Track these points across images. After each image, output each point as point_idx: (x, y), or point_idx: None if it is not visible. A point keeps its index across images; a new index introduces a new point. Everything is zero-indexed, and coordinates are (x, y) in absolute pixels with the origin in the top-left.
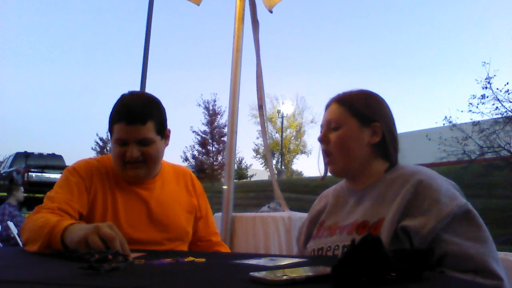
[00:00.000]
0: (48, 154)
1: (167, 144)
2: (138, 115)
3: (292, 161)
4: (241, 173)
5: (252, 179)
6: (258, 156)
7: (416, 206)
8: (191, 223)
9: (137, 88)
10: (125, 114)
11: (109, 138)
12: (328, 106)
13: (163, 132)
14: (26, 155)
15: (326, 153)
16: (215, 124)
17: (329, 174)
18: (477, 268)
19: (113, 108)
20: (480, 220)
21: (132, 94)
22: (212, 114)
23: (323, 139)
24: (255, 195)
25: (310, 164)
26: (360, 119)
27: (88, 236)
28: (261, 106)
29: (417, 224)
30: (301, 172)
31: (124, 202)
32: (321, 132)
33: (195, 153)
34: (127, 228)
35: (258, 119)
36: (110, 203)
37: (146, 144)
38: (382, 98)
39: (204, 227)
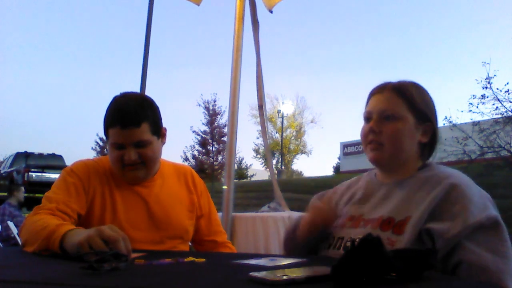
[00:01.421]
0: (48, 154)
1: (164, 143)
2: (132, 118)
3: (292, 161)
4: (241, 173)
5: (252, 179)
6: (258, 156)
7: (445, 210)
8: (192, 222)
9: (137, 88)
10: (119, 118)
11: (106, 140)
12: (378, 93)
13: (159, 132)
14: (26, 155)
15: (373, 142)
16: (215, 124)
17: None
18: (491, 282)
19: (106, 112)
20: (507, 235)
21: (124, 96)
22: (212, 114)
23: (375, 130)
24: (255, 195)
25: (310, 164)
26: (417, 116)
27: (90, 239)
28: (261, 106)
29: (442, 228)
30: (301, 172)
31: (123, 201)
32: (365, 119)
33: (195, 153)
34: (127, 227)
35: (258, 119)
36: (109, 202)
37: (143, 146)
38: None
39: (207, 225)
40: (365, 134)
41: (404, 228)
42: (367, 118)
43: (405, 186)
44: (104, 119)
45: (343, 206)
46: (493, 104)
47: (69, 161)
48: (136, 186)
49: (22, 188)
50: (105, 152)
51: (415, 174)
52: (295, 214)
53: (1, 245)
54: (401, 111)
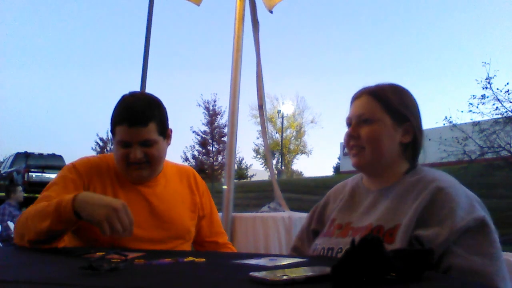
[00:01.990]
0: (48, 154)
1: (169, 144)
2: (140, 117)
3: (292, 161)
4: (241, 173)
5: (252, 179)
6: (258, 156)
7: (432, 215)
8: (194, 222)
9: (137, 88)
10: (127, 116)
11: (111, 138)
12: (357, 98)
13: (165, 132)
14: (26, 155)
15: (354, 147)
16: (215, 124)
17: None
18: (478, 282)
19: (114, 110)
20: (495, 235)
21: (133, 95)
22: (212, 114)
23: (353, 135)
24: (255, 195)
25: (310, 164)
26: (394, 117)
27: (110, 219)
28: (261, 106)
29: (430, 235)
30: (301, 172)
31: (126, 199)
32: (347, 125)
33: (195, 153)
34: None
35: (258, 119)
36: None
37: (149, 145)
38: (412, 95)
39: (208, 226)
40: (346, 140)
41: (395, 236)
42: (348, 124)
43: (392, 193)
44: (112, 116)
45: (330, 212)
46: (493, 104)
47: (69, 161)
48: (139, 185)
49: (20, 188)
50: (105, 152)
51: (401, 179)
52: (295, 214)
53: (1, 245)
54: (377, 114)
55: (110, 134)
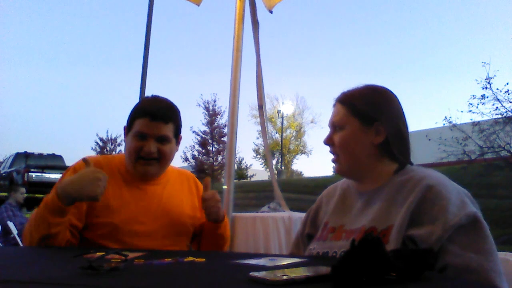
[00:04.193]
0: (48, 154)
1: (177, 150)
2: (163, 113)
3: (292, 161)
4: (241, 173)
5: (252, 179)
6: (258, 156)
7: (423, 213)
8: (193, 222)
9: (137, 88)
10: (151, 111)
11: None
12: (333, 106)
13: (178, 137)
14: (26, 155)
15: (333, 154)
16: (215, 124)
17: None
18: (478, 282)
19: (136, 105)
20: (487, 231)
21: (156, 97)
22: (212, 114)
23: (328, 142)
24: (255, 195)
25: (310, 164)
26: (362, 119)
27: (81, 181)
28: (261, 106)
29: (423, 233)
30: (301, 172)
31: (129, 196)
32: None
33: (195, 153)
34: (130, 220)
35: (258, 119)
36: (112, 197)
37: (164, 141)
38: (390, 93)
39: None
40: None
41: (388, 237)
42: None
43: (383, 194)
44: (133, 110)
45: (323, 216)
46: (493, 105)
47: (69, 161)
48: (142, 184)
49: (21, 189)
50: (105, 152)
51: (390, 180)
52: (295, 214)
53: (1, 245)
54: (344, 120)
55: (110, 134)
